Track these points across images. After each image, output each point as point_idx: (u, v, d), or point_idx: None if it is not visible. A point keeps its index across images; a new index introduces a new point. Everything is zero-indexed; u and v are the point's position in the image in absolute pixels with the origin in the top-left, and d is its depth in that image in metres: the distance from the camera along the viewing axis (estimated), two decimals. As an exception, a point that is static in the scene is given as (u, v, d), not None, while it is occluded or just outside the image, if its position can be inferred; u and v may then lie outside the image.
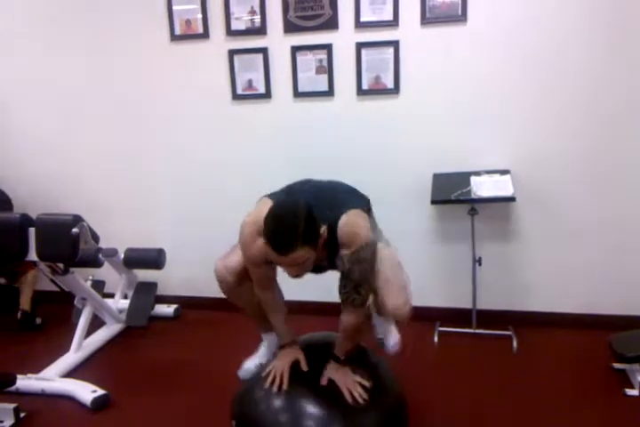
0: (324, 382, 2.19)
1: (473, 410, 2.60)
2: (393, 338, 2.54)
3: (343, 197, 2.19)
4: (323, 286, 2.58)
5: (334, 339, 2.46)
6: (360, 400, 2.12)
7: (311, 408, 2.13)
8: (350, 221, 2.06)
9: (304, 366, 2.25)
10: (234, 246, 2.32)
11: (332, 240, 2.04)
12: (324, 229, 1.97)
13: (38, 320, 3.73)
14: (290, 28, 3.37)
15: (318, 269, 2.24)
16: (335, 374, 2.21)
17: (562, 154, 3.20)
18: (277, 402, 2.16)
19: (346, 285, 2.11)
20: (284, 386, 2.17)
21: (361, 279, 2.08)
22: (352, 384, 2.17)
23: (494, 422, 2.52)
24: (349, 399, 2.13)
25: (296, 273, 1.98)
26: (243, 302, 2.40)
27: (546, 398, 2.68)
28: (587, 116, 3.13)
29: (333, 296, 2.23)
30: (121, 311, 3.63)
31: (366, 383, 2.18)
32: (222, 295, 2.42)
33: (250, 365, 2.50)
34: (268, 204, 2.03)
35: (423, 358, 3.10)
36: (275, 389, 2.17)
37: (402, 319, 2.19)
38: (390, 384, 2.37)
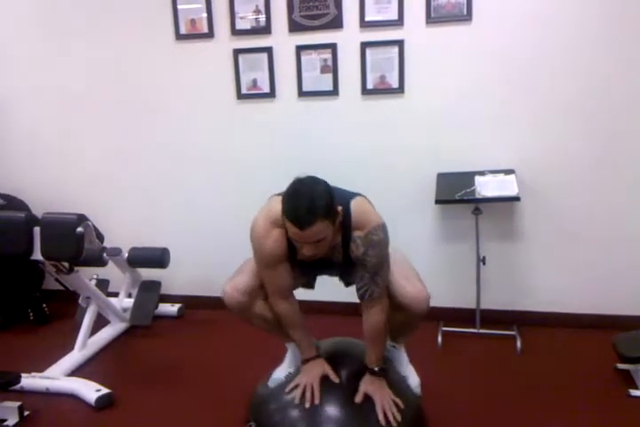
0: (359, 398, 2.14)
1: (476, 410, 2.60)
2: (414, 379, 2.45)
3: (345, 190, 2.21)
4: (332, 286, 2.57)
5: (349, 345, 2.47)
6: (393, 423, 2.09)
7: (333, 420, 2.11)
8: (361, 204, 2.13)
9: (334, 378, 2.21)
10: (238, 270, 2.33)
11: (345, 225, 2.08)
12: (340, 208, 2.01)
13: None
14: (295, 27, 3.37)
15: (330, 265, 2.23)
16: (371, 387, 2.18)
17: (567, 154, 3.20)
18: (298, 412, 2.13)
19: (362, 276, 2.12)
20: (316, 400, 2.13)
21: (377, 266, 2.10)
22: (388, 403, 2.14)
23: (497, 422, 2.51)
24: (382, 420, 2.09)
25: (313, 252, 1.99)
26: (258, 319, 2.32)
27: (549, 398, 2.68)
28: (592, 117, 3.13)
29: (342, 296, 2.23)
30: (125, 310, 3.64)
31: (401, 404, 2.15)
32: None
33: (279, 375, 2.40)
34: (279, 200, 2.02)
35: (427, 358, 3.08)
36: (307, 404, 2.12)
37: (422, 308, 2.17)
38: (412, 397, 2.35)
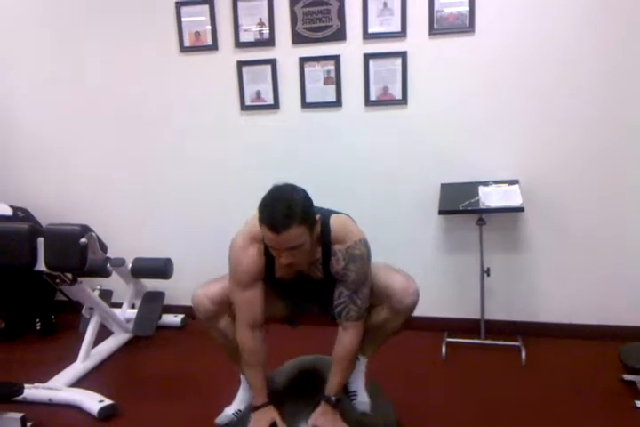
0: None
1: (480, 422, 2.58)
2: (363, 396, 2.29)
3: (328, 208, 2.17)
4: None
5: (308, 367, 2.42)
6: None
7: None
8: (341, 219, 2.10)
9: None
10: (214, 278, 2.28)
11: (324, 240, 2.05)
12: (318, 217, 1.99)
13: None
14: (298, 39, 3.40)
15: (310, 286, 2.17)
16: (321, 419, 2.09)
17: (571, 164, 3.20)
18: None
19: (341, 293, 2.08)
20: None
21: (357, 282, 2.05)
22: None
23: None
24: None
25: (290, 261, 1.94)
26: (220, 335, 2.27)
27: (555, 409, 2.66)
28: (596, 127, 3.13)
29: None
30: (128, 321, 3.63)
31: None
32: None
33: (228, 412, 2.34)
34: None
35: (431, 369, 3.08)
36: None
37: (410, 299, 2.10)
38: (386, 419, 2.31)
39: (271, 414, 2.15)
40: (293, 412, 2.18)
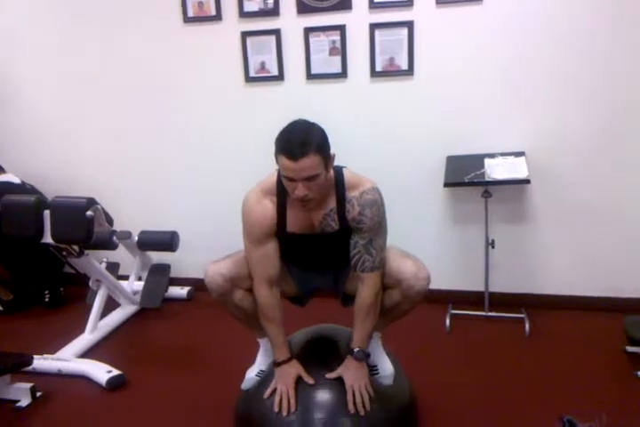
0: (331, 376, 2.12)
1: (485, 393, 2.60)
2: (385, 369, 2.30)
3: None
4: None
5: (329, 333, 2.43)
6: (361, 412, 2.04)
7: (318, 415, 2.08)
8: (352, 171, 2.15)
9: (308, 380, 2.13)
10: (226, 255, 2.27)
11: (338, 187, 2.08)
12: (333, 154, 2.02)
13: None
14: (303, 8, 3.34)
15: (322, 244, 2.17)
16: (347, 371, 2.13)
17: (577, 136, 3.17)
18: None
19: (356, 243, 2.09)
20: (292, 408, 2.06)
21: (372, 230, 2.07)
22: (359, 390, 2.08)
23: (505, 404, 2.51)
24: (351, 408, 2.04)
25: (305, 193, 1.94)
26: (235, 308, 2.25)
27: (558, 381, 2.68)
28: (604, 100, 3.10)
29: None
30: (135, 293, 3.67)
31: (372, 393, 2.10)
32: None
33: (251, 374, 2.35)
34: (273, 172, 2.07)
35: (435, 341, 3.11)
36: (284, 413, 2.06)
37: (421, 284, 2.09)
38: (401, 386, 2.32)
39: (296, 368, 2.18)
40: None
